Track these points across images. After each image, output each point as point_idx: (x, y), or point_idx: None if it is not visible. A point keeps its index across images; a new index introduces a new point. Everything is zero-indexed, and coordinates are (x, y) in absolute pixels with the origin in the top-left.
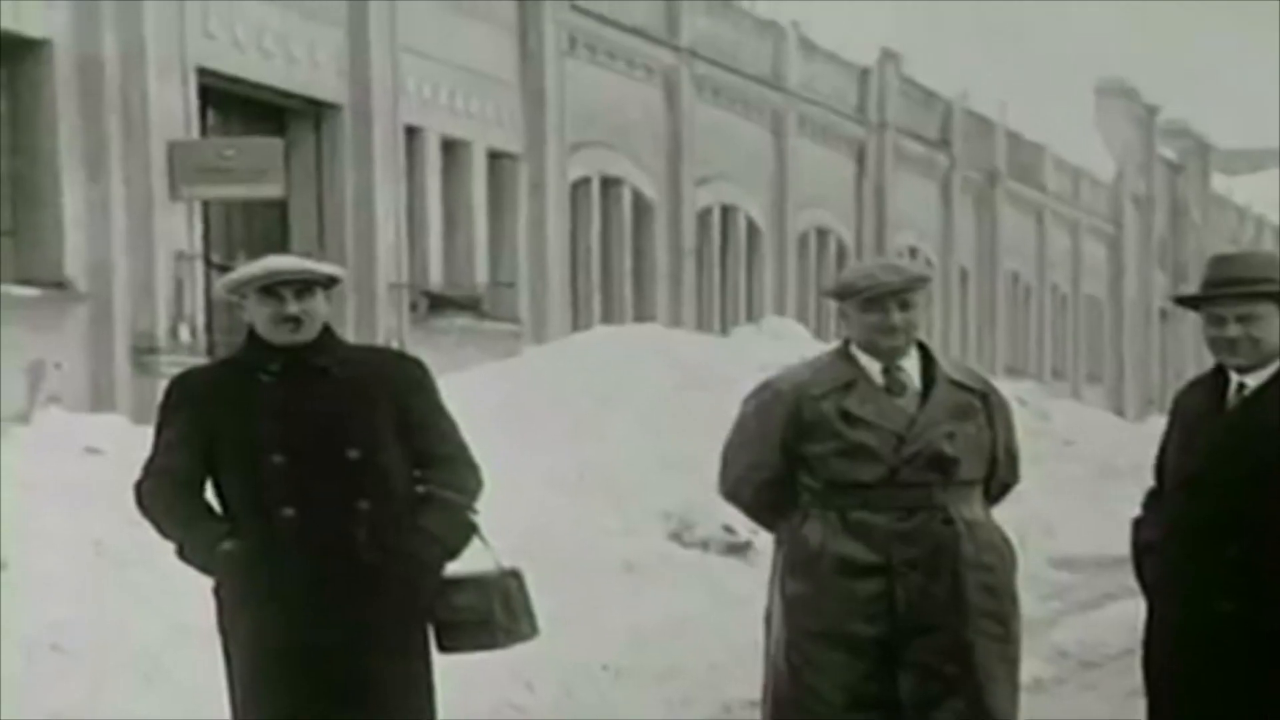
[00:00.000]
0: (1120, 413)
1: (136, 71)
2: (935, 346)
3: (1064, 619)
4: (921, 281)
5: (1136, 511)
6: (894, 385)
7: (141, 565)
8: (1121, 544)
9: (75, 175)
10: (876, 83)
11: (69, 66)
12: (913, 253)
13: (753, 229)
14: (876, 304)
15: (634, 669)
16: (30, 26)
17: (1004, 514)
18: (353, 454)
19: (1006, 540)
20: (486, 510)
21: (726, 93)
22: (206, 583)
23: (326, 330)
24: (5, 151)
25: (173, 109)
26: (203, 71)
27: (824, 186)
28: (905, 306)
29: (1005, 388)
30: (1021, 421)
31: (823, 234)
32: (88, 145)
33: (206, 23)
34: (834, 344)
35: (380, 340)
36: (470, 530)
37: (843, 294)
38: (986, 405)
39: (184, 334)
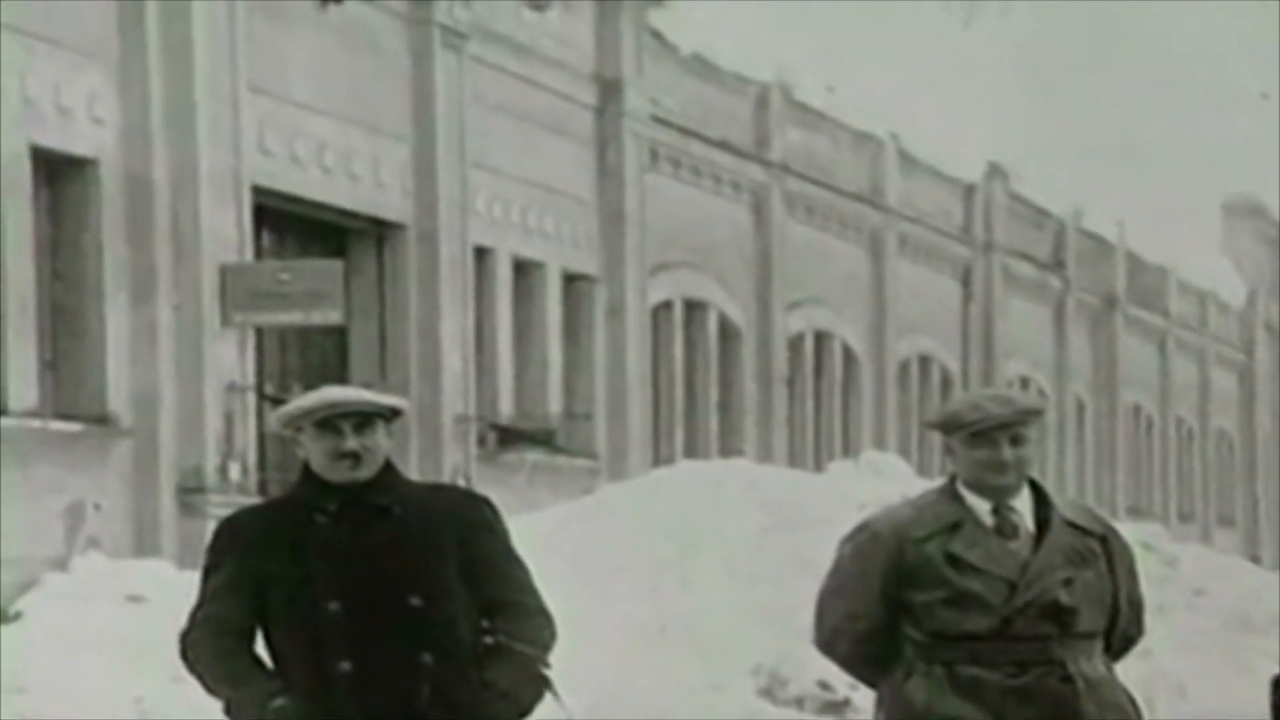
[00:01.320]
0: (1256, 559)
1: (188, 191)
2: (1049, 485)
3: None
4: (1034, 414)
5: (1276, 669)
6: (1005, 527)
7: None
8: (1260, 705)
9: (120, 302)
10: (983, 199)
11: (116, 186)
12: (1024, 383)
13: (849, 356)
14: (985, 438)
15: None
16: (76, 144)
17: (1129, 671)
18: (415, 602)
19: (1132, 700)
20: (560, 663)
21: (820, 210)
22: None
23: (388, 467)
24: (47, 278)
25: (225, 230)
26: (258, 190)
27: (926, 311)
28: (1017, 441)
29: (1127, 530)
30: (1146, 568)
31: (925, 362)
32: (134, 270)
33: (263, 139)
34: (939, 481)
35: (446, 477)
36: (542, 685)
37: (948, 427)
38: (1107, 549)
39: (234, 472)
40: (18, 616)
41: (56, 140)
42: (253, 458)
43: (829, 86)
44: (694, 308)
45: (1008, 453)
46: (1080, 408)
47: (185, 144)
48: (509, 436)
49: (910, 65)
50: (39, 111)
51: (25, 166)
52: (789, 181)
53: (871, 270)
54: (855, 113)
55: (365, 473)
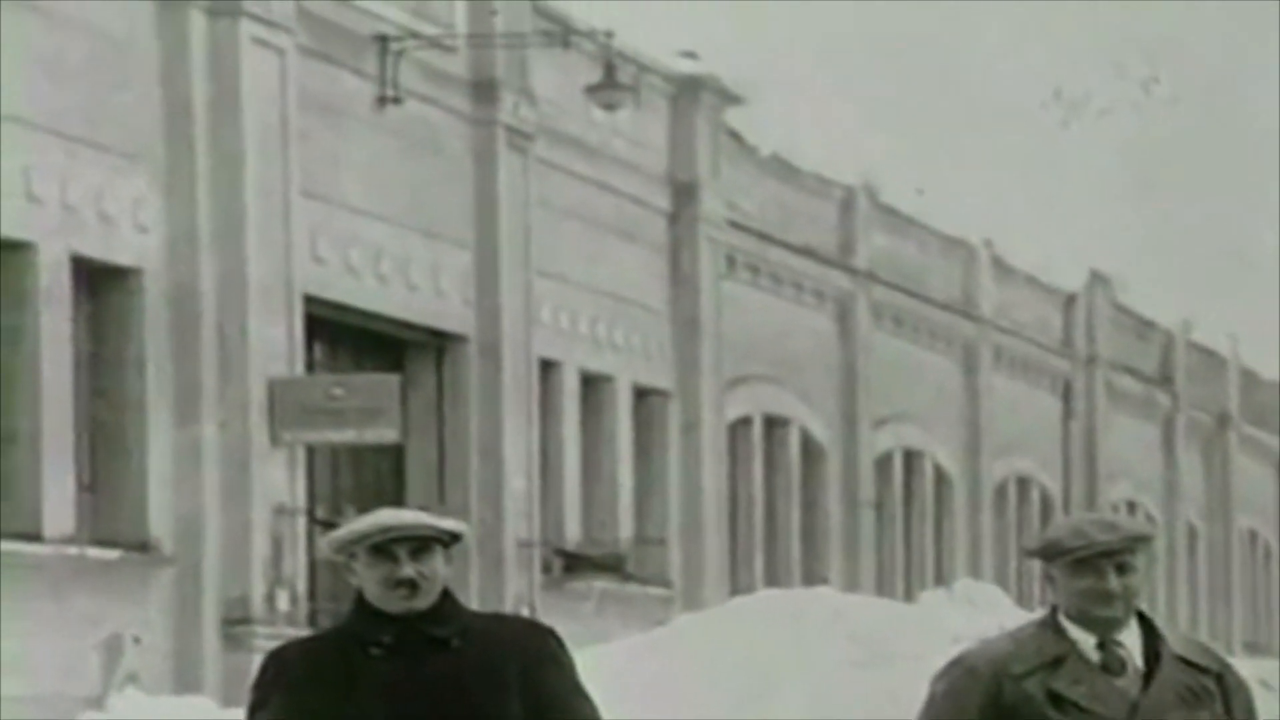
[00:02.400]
0: None
1: (235, 301)
2: (1159, 617)
3: None
4: (1142, 540)
5: None
6: (1111, 663)
7: None
8: None
9: (163, 420)
10: (1084, 310)
11: (160, 297)
12: (1131, 507)
13: (941, 477)
14: (1089, 566)
15: None
16: (119, 253)
17: None
18: None
19: None
20: None
21: (909, 321)
22: None
23: (446, 596)
24: (85, 394)
25: (275, 342)
26: (310, 300)
27: (1024, 428)
28: (1123, 570)
29: (1244, 667)
30: (1265, 708)
31: (1024, 483)
32: (179, 385)
33: (315, 246)
34: (1039, 613)
35: (508, 607)
36: None
37: (1049, 554)
38: (1222, 687)
39: (282, 601)
40: None
41: (98, 249)
42: (302, 586)
43: (918, 189)
44: (774, 424)
45: (1114, 582)
46: (1192, 534)
47: (234, 252)
48: (576, 563)
49: (1005, 167)
50: (80, 219)
51: (65, 277)
52: (875, 289)
53: (964, 385)
54: (946, 216)
55: (422, 602)
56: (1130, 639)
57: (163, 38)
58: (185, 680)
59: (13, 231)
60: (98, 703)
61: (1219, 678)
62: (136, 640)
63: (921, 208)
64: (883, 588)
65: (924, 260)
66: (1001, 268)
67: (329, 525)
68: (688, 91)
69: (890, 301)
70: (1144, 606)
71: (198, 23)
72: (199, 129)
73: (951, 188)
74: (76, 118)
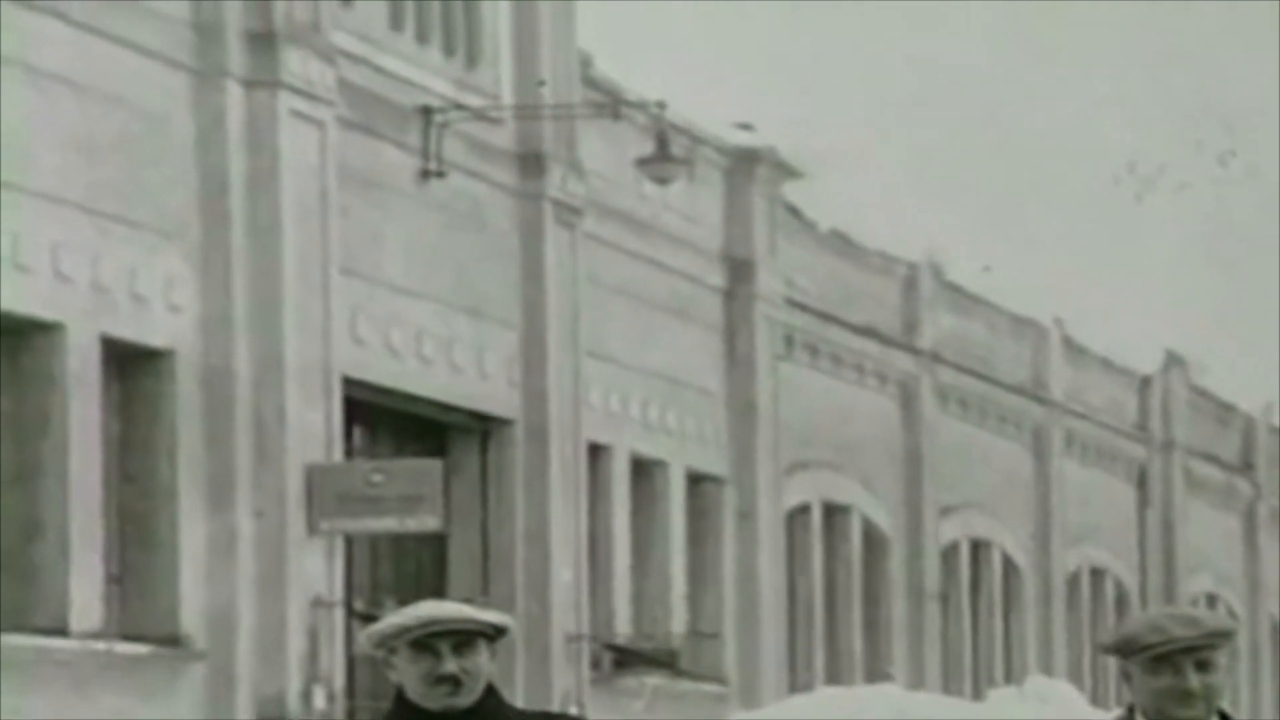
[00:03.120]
0: None
1: (272, 384)
2: (1243, 718)
3: None
4: (1224, 636)
5: None
6: None
7: None
8: None
9: (196, 508)
10: (1160, 393)
11: (193, 380)
12: (1211, 600)
13: (1010, 568)
14: (1168, 664)
15: None
16: (151, 335)
17: None
18: None
19: None
20: None
21: (976, 404)
22: None
23: (491, 692)
24: (115, 481)
25: (313, 427)
26: (349, 383)
27: (1097, 517)
28: (1204, 667)
29: None
30: None
31: (1097, 575)
32: (212, 472)
33: (355, 326)
34: (1115, 713)
35: (556, 704)
36: None
37: (1125, 650)
38: None
39: (319, 699)
40: None
41: (130, 330)
42: (340, 683)
43: (985, 266)
44: (834, 512)
45: (1194, 680)
46: (1276, 629)
47: (270, 333)
48: (626, 658)
49: (1076, 244)
50: (111, 299)
51: (94, 359)
52: (941, 371)
53: (1035, 471)
54: (1015, 295)
55: (465, 699)
56: None
57: (198, 111)
58: None
59: (41, 312)
60: None
61: None
62: None
63: (989, 285)
64: (949, 685)
65: (991, 341)
66: (1073, 348)
67: (368, 619)
68: (744, 164)
69: (956, 384)
70: (1226, 707)
71: (234, 95)
72: (235, 205)
73: (1020, 265)
74: (108, 194)
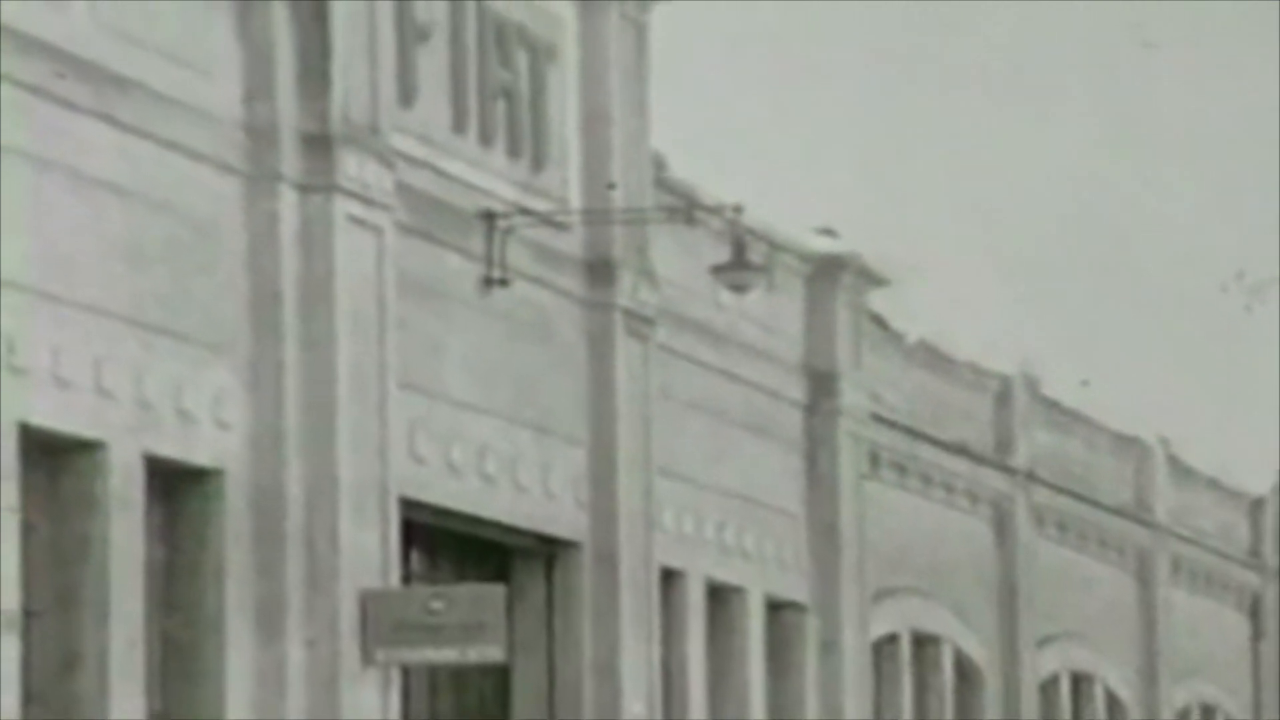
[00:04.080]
0: None
1: (325, 505)
2: None
3: None
4: None
5: None
6: None
7: None
8: None
9: (243, 637)
10: (1274, 516)
11: (242, 501)
12: None
13: (1114, 703)
14: None
15: None
16: (198, 453)
17: None
18: None
19: None
20: None
21: (1076, 527)
22: None
23: None
24: (158, 608)
25: (368, 551)
26: (407, 503)
27: (1208, 649)
28: None
29: None
30: None
31: (1208, 712)
32: (261, 598)
33: (414, 443)
34: None
35: None
36: None
37: None
38: None
39: None
40: None
41: (175, 449)
42: None
43: (1084, 380)
44: (924, 643)
45: None
46: None
47: (324, 451)
48: None
49: (1182, 356)
50: (156, 416)
51: (138, 479)
52: (1037, 492)
53: (1139, 599)
54: (1116, 411)
55: None
56: None
57: (250, 217)
58: None
59: (82, 430)
60: None
61: None
62: None
63: (1088, 400)
64: None
65: (1091, 459)
66: (1179, 468)
67: None
68: (825, 271)
69: (1054, 505)
70: None
71: (288, 200)
72: (287, 316)
73: (1121, 378)
74: (154, 305)
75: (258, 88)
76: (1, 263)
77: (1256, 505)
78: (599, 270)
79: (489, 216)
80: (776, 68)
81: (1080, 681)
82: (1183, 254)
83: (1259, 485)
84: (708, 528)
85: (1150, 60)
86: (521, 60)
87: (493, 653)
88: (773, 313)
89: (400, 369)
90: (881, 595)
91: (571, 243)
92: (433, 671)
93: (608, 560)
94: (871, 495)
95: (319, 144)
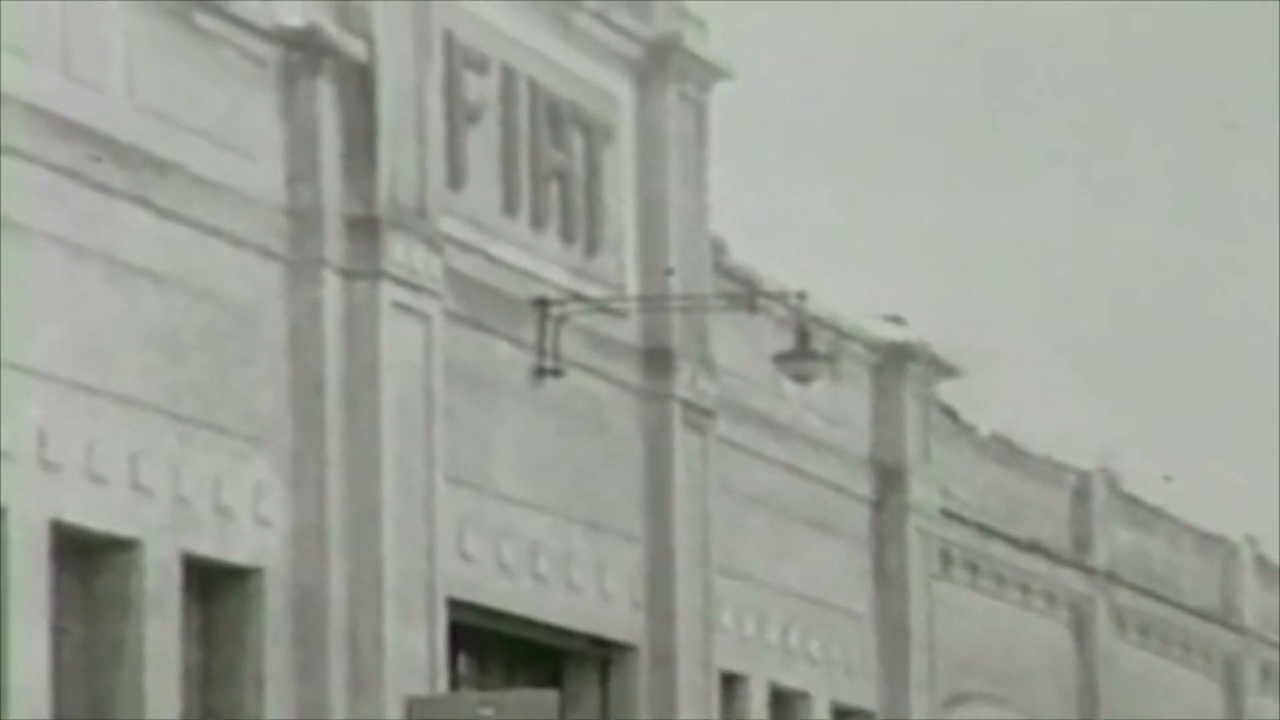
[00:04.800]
0: None
1: (369, 606)
2: None
3: None
4: None
5: None
6: None
7: None
8: None
9: None
10: None
11: (282, 601)
12: None
13: None
14: None
15: None
16: (236, 551)
17: None
18: None
19: None
20: None
21: (1159, 630)
22: None
23: None
24: (195, 714)
25: (414, 654)
26: (455, 604)
27: None
28: None
29: None
30: None
31: None
32: (302, 704)
33: (462, 541)
34: None
35: None
36: None
37: None
38: None
39: None
40: None
41: (213, 547)
42: None
43: (1166, 475)
44: None
45: None
46: None
47: (368, 549)
48: None
49: (1270, 450)
50: (193, 512)
51: (174, 579)
52: (1118, 593)
53: (1226, 707)
54: (1200, 508)
55: None
56: None
57: (292, 304)
58: None
59: (116, 527)
60: None
61: None
62: None
63: (1170, 497)
64: None
65: (1174, 559)
66: (1267, 568)
67: None
68: (893, 361)
69: (1135, 607)
70: None
71: (332, 286)
72: (331, 407)
73: (1206, 474)
74: (192, 396)
75: (301, 169)
76: (34, 352)
77: None
78: (656, 360)
79: (541, 303)
80: (841, 148)
81: None
82: (1269, 342)
83: None
84: (770, 630)
85: (1232, 141)
86: (576, 140)
87: None
88: (838, 404)
89: (448, 463)
90: (953, 702)
91: (627, 331)
92: None
93: (665, 664)
94: (942, 596)
95: (364, 228)
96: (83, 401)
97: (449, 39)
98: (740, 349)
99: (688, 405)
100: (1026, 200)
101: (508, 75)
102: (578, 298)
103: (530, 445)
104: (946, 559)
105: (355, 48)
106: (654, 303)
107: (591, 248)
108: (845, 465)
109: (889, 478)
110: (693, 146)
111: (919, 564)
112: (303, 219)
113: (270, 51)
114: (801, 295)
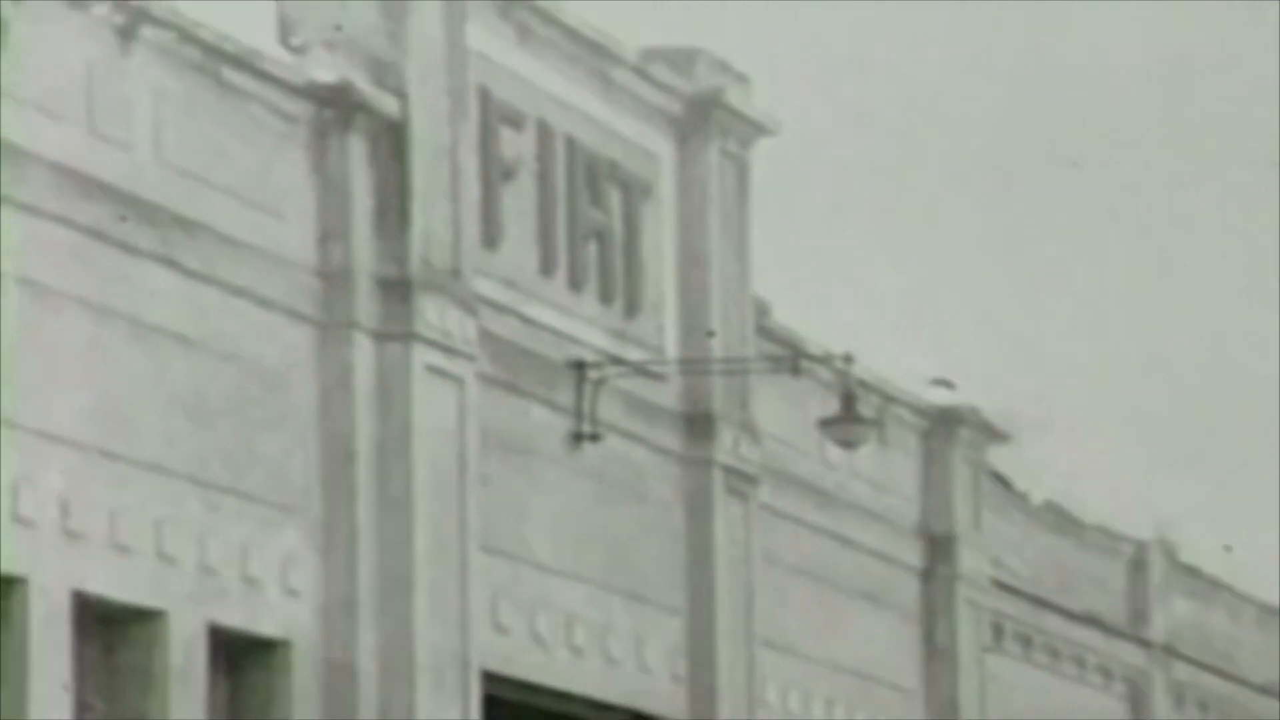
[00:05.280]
0: None
1: (401, 680)
2: None
3: None
4: None
5: None
6: None
7: None
8: None
9: None
10: None
11: (312, 675)
12: None
13: None
14: None
15: None
16: (264, 623)
17: None
18: None
19: None
20: None
21: (1218, 706)
22: None
23: None
24: None
25: None
26: (490, 677)
27: None
28: None
29: None
30: None
31: None
32: None
33: (497, 612)
34: None
35: None
36: None
37: None
38: None
39: None
40: None
41: (240, 618)
42: None
43: (1226, 545)
44: None
45: None
46: None
47: (399, 621)
48: None
49: None
50: (220, 583)
51: (200, 651)
52: (1176, 667)
53: None
54: (1261, 579)
55: None
56: None
57: (322, 367)
58: None
59: (141, 598)
60: None
61: None
62: None
63: (1230, 568)
64: None
65: (1234, 632)
66: None
67: None
68: (942, 426)
69: (1194, 682)
70: None
71: (363, 349)
72: (362, 474)
73: (1267, 544)
74: (219, 463)
75: (332, 229)
76: (57, 418)
77: None
78: (697, 424)
79: (579, 366)
80: (889, 206)
81: None
82: None
83: None
84: (816, 705)
85: None
86: (614, 198)
87: None
88: (886, 470)
89: (482, 532)
90: None
91: (667, 395)
92: None
93: None
94: (994, 670)
95: (397, 289)
96: (106, 468)
97: (484, 95)
98: (784, 414)
99: (730, 472)
100: (1080, 261)
101: (544, 132)
102: (616, 360)
103: (567, 513)
104: (998, 631)
105: (388, 104)
106: (695, 365)
107: (630, 309)
108: (893, 534)
109: (938, 547)
110: (735, 204)
111: (970, 637)
112: (333, 280)
113: (301, 108)
114: (847, 358)
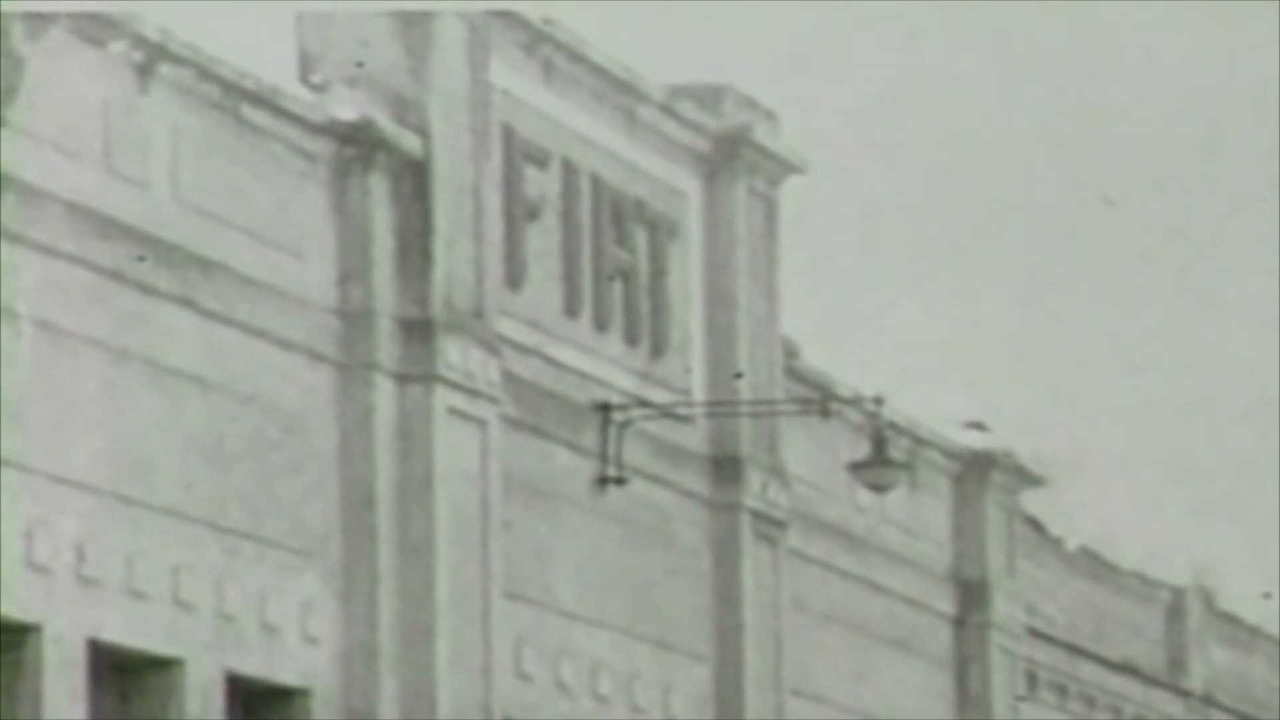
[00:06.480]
0: None
1: None
2: None
3: None
4: None
5: None
6: None
7: None
8: None
9: None
10: None
11: None
12: None
13: None
14: None
15: None
16: (284, 671)
17: None
18: None
19: None
20: None
21: None
22: None
23: None
24: None
25: None
26: None
27: None
28: None
29: None
30: None
31: None
32: None
33: (520, 659)
34: None
35: None
36: None
37: None
38: None
39: None
40: None
41: (259, 666)
42: None
43: (1266, 593)
44: None
45: None
46: None
47: (421, 668)
48: None
49: None
50: (238, 630)
51: (217, 700)
52: (1215, 716)
53: None
54: None
55: None
56: None
57: (343, 410)
58: None
59: (157, 645)
60: None
61: None
62: None
63: (1270, 615)
64: None
65: (1275, 681)
66: None
67: None
68: (975, 470)
69: None
70: None
71: (384, 391)
72: (382, 518)
73: None
74: (238, 508)
75: (353, 269)
76: (72, 462)
77: None
78: (725, 468)
79: (604, 409)
80: (920, 246)
81: None
82: None
83: None
84: None
85: None
86: (640, 238)
87: None
88: (917, 515)
89: (506, 577)
90: None
91: (694, 437)
92: None
93: None
94: (1029, 718)
95: (419, 330)
96: (122, 513)
97: (508, 133)
98: (813, 457)
99: (758, 516)
100: (1115, 301)
101: (569, 170)
102: (642, 403)
103: (592, 558)
104: (1032, 680)
105: (410, 142)
106: (722, 408)
107: (657, 350)
108: (924, 580)
109: (971, 593)
110: (763, 244)
111: (1003, 685)
112: (354, 321)
113: (321, 146)
114: (878, 400)
